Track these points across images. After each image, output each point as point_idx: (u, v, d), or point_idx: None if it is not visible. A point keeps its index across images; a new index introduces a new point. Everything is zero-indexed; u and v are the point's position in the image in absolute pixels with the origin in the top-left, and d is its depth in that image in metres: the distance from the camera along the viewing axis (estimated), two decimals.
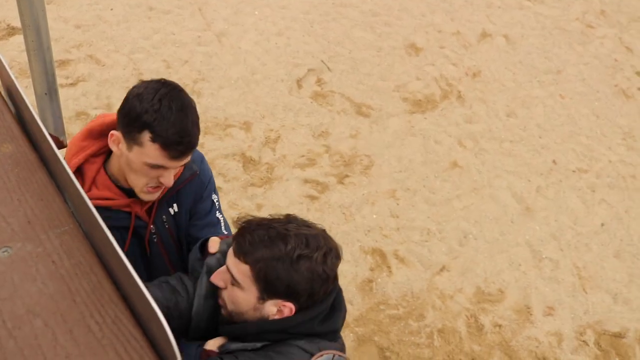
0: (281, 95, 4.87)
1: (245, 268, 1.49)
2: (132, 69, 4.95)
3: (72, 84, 4.70)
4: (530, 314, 3.75)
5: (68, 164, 1.65)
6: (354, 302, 3.65)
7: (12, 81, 1.51)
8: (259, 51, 5.30)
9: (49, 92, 2.08)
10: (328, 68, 5.19)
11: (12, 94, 1.56)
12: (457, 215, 4.21)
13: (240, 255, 1.49)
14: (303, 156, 4.40)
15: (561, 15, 6.49)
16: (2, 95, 1.52)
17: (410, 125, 4.80)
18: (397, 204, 4.19)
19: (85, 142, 1.83)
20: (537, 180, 4.56)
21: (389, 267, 3.83)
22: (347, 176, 4.31)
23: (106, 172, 1.83)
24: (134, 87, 1.71)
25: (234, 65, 5.12)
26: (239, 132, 4.52)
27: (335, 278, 1.55)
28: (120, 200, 1.80)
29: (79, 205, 1.12)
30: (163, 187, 1.77)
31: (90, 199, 1.59)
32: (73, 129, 4.36)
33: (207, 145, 4.40)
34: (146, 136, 1.63)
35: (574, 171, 4.70)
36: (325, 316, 1.57)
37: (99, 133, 1.83)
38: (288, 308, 1.51)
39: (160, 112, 1.61)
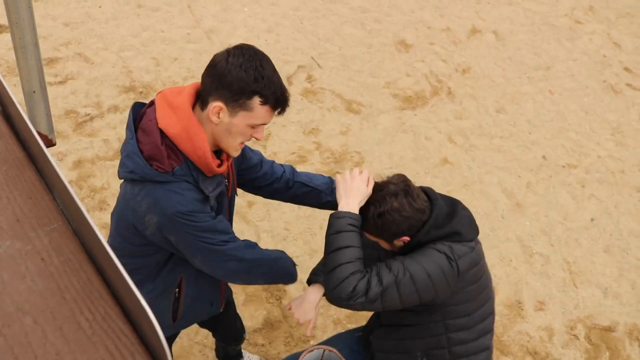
0: None
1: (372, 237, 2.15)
2: (122, 67, 4.92)
3: (60, 82, 4.67)
4: (522, 309, 3.77)
5: (200, 139, 1.80)
6: None
7: (0, 82, 1.50)
8: None
9: (38, 90, 2.06)
10: (318, 65, 5.19)
11: (0, 94, 1.55)
12: None
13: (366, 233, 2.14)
14: (294, 153, 4.40)
15: (550, 11, 6.52)
16: None
17: (400, 121, 4.80)
18: None
19: (194, 114, 1.85)
20: (527, 176, 4.58)
21: None
22: (338, 173, 4.30)
23: None
24: (226, 55, 1.77)
25: None
26: None
27: (424, 203, 2.06)
28: (226, 162, 1.95)
29: (68, 202, 1.12)
30: None
31: (217, 167, 1.86)
32: (62, 128, 4.34)
33: None
34: (256, 101, 1.76)
35: (563, 167, 4.72)
36: (434, 226, 2.03)
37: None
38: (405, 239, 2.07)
39: (265, 77, 1.74)
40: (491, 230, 4.16)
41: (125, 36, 5.19)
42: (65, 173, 4.15)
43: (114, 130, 4.41)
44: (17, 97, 1.29)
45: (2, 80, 1.46)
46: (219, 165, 1.90)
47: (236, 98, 1.75)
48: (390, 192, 2.03)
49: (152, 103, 1.90)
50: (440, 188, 4.34)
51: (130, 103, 4.65)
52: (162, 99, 1.86)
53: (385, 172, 4.35)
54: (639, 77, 5.74)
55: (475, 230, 2.19)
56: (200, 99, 1.83)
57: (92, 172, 4.16)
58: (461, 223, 2.09)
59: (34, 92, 2.10)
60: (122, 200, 1.99)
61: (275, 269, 2.17)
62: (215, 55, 1.80)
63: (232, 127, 1.80)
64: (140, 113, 1.92)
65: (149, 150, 1.81)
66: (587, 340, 3.69)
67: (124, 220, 1.98)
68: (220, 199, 2.04)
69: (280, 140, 4.47)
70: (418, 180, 4.37)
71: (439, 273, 1.99)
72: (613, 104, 5.40)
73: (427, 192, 2.14)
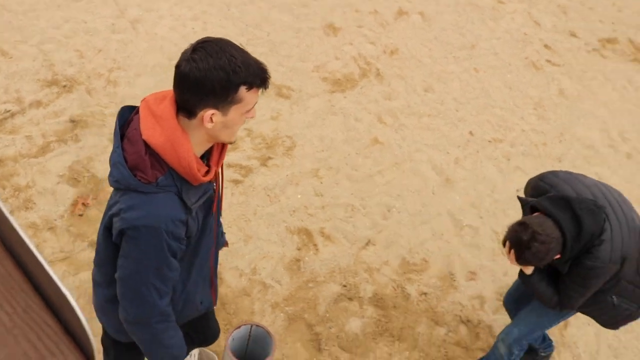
0: None
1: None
2: (43, 60, 4.78)
3: None
4: (454, 280, 3.89)
5: (184, 150, 1.77)
6: (283, 282, 3.68)
7: None
8: (175, 37, 5.22)
9: None
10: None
11: None
12: (379, 190, 4.30)
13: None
14: None
15: None
16: None
17: (330, 104, 4.85)
18: (321, 183, 4.24)
19: (179, 122, 1.82)
20: (456, 152, 4.70)
21: (315, 245, 3.88)
22: (270, 158, 4.32)
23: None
24: (193, 63, 1.71)
25: (150, 52, 5.03)
26: None
27: (554, 232, 2.53)
28: (214, 168, 1.94)
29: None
30: None
31: (203, 175, 1.84)
32: None
33: None
34: (243, 90, 1.74)
35: (489, 141, 4.87)
36: (573, 240, 2.55)
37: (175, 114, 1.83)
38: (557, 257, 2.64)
39: (241, 64, 1.72)
40: (423, 206, 4.26)
41: (45, 28, 5.03)
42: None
43: (37, 127, 4.29)
44: None
45: None
46: (207, 173, 1.89)
47: (224, 98, 1.74)
48: (525, 247, 2.54)
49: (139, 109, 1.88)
50: (371, 168, 4.41)
51: (54, 97, 4.53)
52: (145, 107, 1.83)
53: (317, 155, 4.39)
54: (558, 54, 5.96)
55: (600, 213, 2.57)
56: (183, 110, 1.79)
57: (15, 170, 4.03)
58: (588, 223, 2.53)
59: None
60: (107, 206, 1.98)
61: (155, 355, 2.09)
62: (180, 66, 1.74)
63: (228, 122, 1.80)
64: (127, 119, 1.88)
65: (133, 160, 1.80)
66: None
67: (104, 228, 1.97)
68: (208, 202, 2.04)
69: None
70: (350, 161, 4.43)
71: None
72: (534, 80, 5.59)
73: (549, 205, 2.59)
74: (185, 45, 5.16)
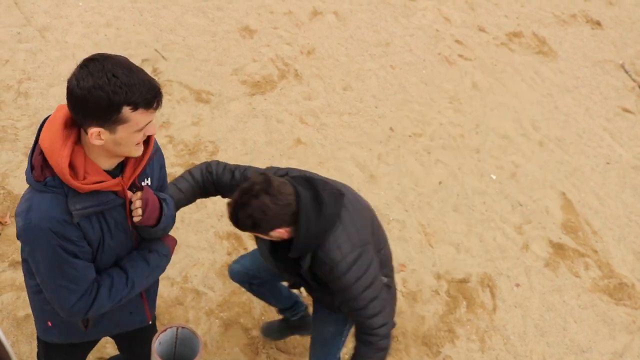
0: None
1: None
2: None
3: None
4: None
5: (59, 156, 1.75)
6: (216, 288, 3.64)
7: None
8: (87, 44, 5.05)
9: None
10: (163, 57, 5.07)
11: None
12: None
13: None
14: None
15: None
16: None
17: (251, 107, 4.83)
18: None
19: (67, 131, 1.80)
20: (378, 148, 4.79)
21: (245, 249, 3.86)
22: (193, 164, 4.25)
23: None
24: (75, 81, 1.68)
25: (62, 61, 4.85)
26: None
27: (289, 197, 2.24)
28: (113, 180, 1.87)
29: None
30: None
31: (89, 184, 1.80)
32: None
33: None
34: (127, 111, 1.70)
35: (410, 136, 4.99)
36: (307, 227, 2.28)
37: (71, 123, 1.81)
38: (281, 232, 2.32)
39: (123, 85, 1.67)
40: None
41: None
42: None
43: None
44: None
45: None
46: (100, 182, 1.84)
47: (107, 118, 1.70)
48: (252, 194, 2.18)
49: None
50: (297, 168, 4.42)
51: None
52: (57, 110, 1.84)
53: (241, 159, 4.37)
54: (469, 49, 6.18)
55: (339, 197, 2.41)
56: (77, 124, 1.79)
57: None
58: (330, 204, 2.33)
59: None
60: None
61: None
62: (68, 81, 1.71)
63: (119, 140, 1.77)
64: None
65: (34, 159, 1.84)
66: (446, 294, 3.96)
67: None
68: (118, 215, 1.97)
69: None
70: (274, 162, 4.43)
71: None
72: (449, 74, 5.78)
73: (292, 180, 2.33)
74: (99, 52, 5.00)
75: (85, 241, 1.90)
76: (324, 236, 2.32)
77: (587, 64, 6.34)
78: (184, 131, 4.47)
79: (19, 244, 3.55)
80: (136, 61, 4.91)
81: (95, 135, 1.73)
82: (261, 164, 4.39)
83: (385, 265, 2.65)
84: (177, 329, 2.36)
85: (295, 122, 4.80)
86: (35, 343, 3.22)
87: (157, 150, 2.09)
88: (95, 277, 1.98)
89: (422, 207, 4.45)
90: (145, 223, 1.97)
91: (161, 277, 3.59)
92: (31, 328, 3.24)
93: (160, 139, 4.37)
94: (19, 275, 3.45)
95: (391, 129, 5.00)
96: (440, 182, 4.66)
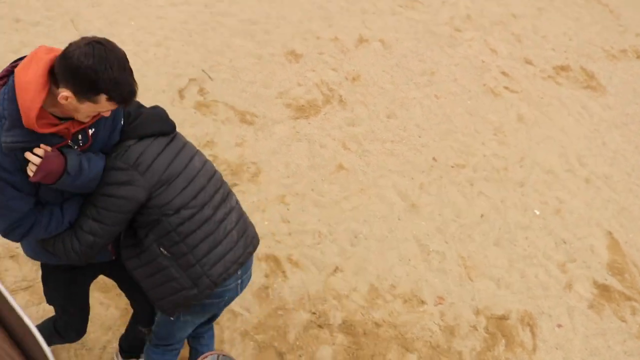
0: (164, 107, 4.73)
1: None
2: None
3: None
4: (423, 305, 3.89)
5: (34, 96, 1.86)
6: (252, 310, 3.62)
7: None
8: (138, 63, 5.15)
9: None
10: (210, 77, 5.13)
11: None
12: (346, 216, 4.29)
13: None
14: None
15: (431, 20, 6.81)
16: None
17: (295, 131, 4.84)
18: (288, 209, 4.21)
19: (48, 77, 1.93)
20: (420, 178, 4.74)
21: (283, 272, 3.84)
22: (235, 185, 4.27)
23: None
24: (74, 49, 1.87)
25: None
26: None
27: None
28: (65, 124, 2.01)
29: None
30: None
31: (45, 127, 1.94)
32: None
33: None
34: (103, 97, 1.92)
35: (452, 167, 4.93)
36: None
37: (51, 71, 1.95)
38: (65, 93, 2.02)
39: (112, 79, 1.89)
40: (389, 231, 4.27)
41: (3, 53, 4.90)
42: None
43: None
44: None
45: None
46: (51, 126, 1.99)
47: (84, 92, 1.90)
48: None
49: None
50: (337, 194, 4.41)
51: None
52: (34, 52, 1.97)
53: (283, 181, 4.37)
54: (515, 81, 6.12)
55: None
56: (54, 75, 1.93)
57: None
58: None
59: None
60: None
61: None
62: (71, 44, 1.90)
63: (79, 109, 1.97)
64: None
65: None
66: (485, 330, 3.86)
67: None
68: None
69: None
70: (316, 187, 4.41)
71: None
72: (494, 106, 5.71)
73: None
74: (148, 71, 5.14)
75: (22, 174, 2.01)
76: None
77: (637, 101, 6.21)
78: (227, 151, 4.50)
79: None
80: (183, 81, 5.00)
81: (64, 96, 1.91)
82: (303, 187, 4.38)
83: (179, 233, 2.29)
84: (218, 356, 2.36)
85: (338, 147, 4.78)
86: (72, 351, 3.23)
87: (117, 113, 2.23)
88: (36, 210, 2.12)
89: (463, 240, 4.37)
90: (38, 180, 2.03)
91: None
92: None
93: None
94: None
95: (434, 158, 4.95)
96: (482, 215, 4.58)
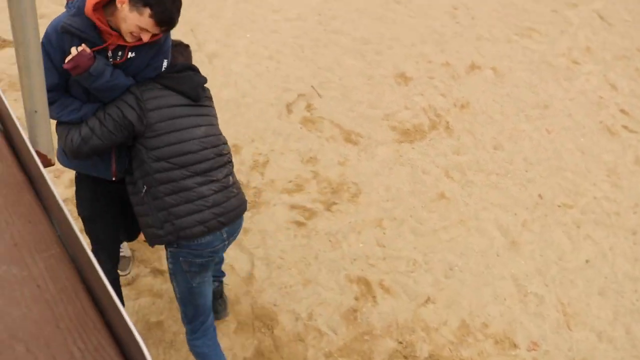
0: (271, 120, 4.85)
1: None
2: None
3: None
4: (515, 349, 3.72)
5: (90, 5, 2.36)
6: (338, 331, 3.59)
7: (2, 100, 1.47)
8: (249, 74, 5.30)
9: (40, 109, 2.04)
10: (318, 94, 5.20)
11: (2, 115, 1.53)
12: (443, 246, 4.19)
13: None
14: (291, 181, 4.38)
15: (548, 50, 6.58)
16: None
17: (398, 154, 4.80)
18: (384, 234, 4.17)
19: None
20: (523, 214, 4.57)
21: (374, 296, 3.79)
22: (334, 203, 4.28)
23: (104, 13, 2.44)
24: None
25: (225, 87, 5.11)
26: None
27: None
28: (112, 31, 2.42)
29: (66, 228, 1.09)
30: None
31: (96, 18, 2.39)
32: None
33: None
34: (147, 11, 2.32)
35: (559, 206, 4.71)
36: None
37: None
38: None
39: (162, 1, 2.31)
40: (486, 267, 4.13)
41: None
42: (61, 191, 4.10)
43: None
44: (18, 112, 1.26)
45: (4, 100, 1.44)
46: (107, 35, 2.42)
47: (135, 2, 2.31)
48: None
49: None
50: (436, 223, 4.32)
51: None
52: None
53: (382, 205, 4.34)
54: (635, 120, 5.78)
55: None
56: None
57: None
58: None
59: (36, 111, 2.07)
60: None
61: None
62: None
63: (127, 18, 2.35)
64: None
65: None
66: None
67: None
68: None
69: (278, 168, 4.44)
70: (415, 214, 4.34)
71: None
72: (609, 145, 5.42)
73: None
74: (259, 83, 5.27)
75: (61, 53, 2.42)
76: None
77: None
78: (329, 169, 4.52)
79: (162, 253, 3.74)
80: (292, 95, 5.09)
81: (120, 1, 2.33)
82: (401, 213, 4.33)
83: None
84: None
85: (440, 175, 4.69)
86: (161, 349, 3.34)
87: (159, 47, 2.56)
88: (63, 93, 2.53)
89: (564, 284, 4.16)
90: (68, 68, 2.40)
91: (287, 309, 3.62)
92: (160, 334, 3.37)
93: (305, 173, 4.45)
94: (157, 282, 3.62)
95: (540, 195, 4.76)
96: (587, 260, 4.34)
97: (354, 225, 4.17)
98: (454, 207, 4.48)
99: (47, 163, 2.12)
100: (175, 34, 5.58)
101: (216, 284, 3.38)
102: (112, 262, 3.12)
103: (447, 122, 5.24)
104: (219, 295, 3.41)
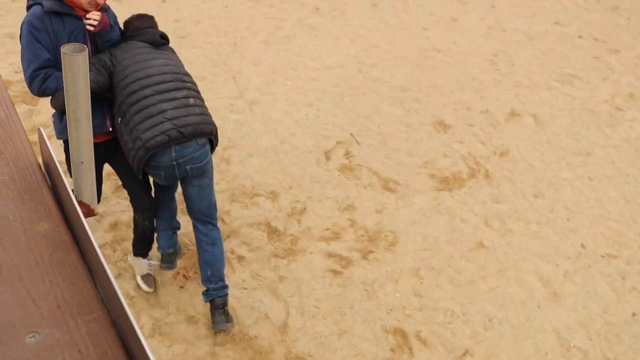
0: (309, 167, 4.90)
1: None
2: None
3: None
4: None
5: None
6: None
7: (51, 157, 1.54)
8: (289, 121, 5.38)
9: (85, 160, 2.12)
10: (356, 141, 5.24)
11: (50, 170, 1.59)
12: (482, 297, 4.12)
13: None
14: (328, 229, 4.39)
15: (589, 97, 6.52)
16: (42, 171, 1.54)
17: (436, 202, 4.77)
18: (421, 283, 4.13)
19: None
20: (565, 265, 4.47)
21: (410, 348, 3.74)
22: (371, 252, 4.27)
23: None
24: None
25: (264, 134, 5.19)
26: (265, 201, 4.54)
27: None
28: (77, 4, 3.11)
29: (109, 291, 1.12)
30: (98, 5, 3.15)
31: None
32: (102, 189, 4.41)
33: (233, 213, 4.41)
34: None
35: (603, 256, 4.60)
36: None
37: None
38: None
39: None
40: (527, 319, 4.03)
41: None
42: (100, 235, 4.19)
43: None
44: (66, 175, 1.31)
45: (55, 158, 1.50)
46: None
47: None
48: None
49: None
50: (475, 273, 4.26)
51: None
52: None
53: (419, 253, 4.30)
54: None
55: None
56: None
57: (127, 235, 4.19)
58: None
59: (82, 162, 2.16)
60: None
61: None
62: None
63: None
64: None
65: None
66: None
67: None
68: (79, 34, 3.14)
69: (315, 216, 4.47)
70: (452, 263, 4.30)
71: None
72: None
73: None
74: (297, 130, 5.34)
75: (47, 34, 3.02)
76: None
77: None
78: (366, 217, 4.52)
79: (196, 299, 3.76)
80: (331, 143, 5.14)
81: None
82: (439, 262, 4.29)
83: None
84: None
85: (479, 224, 4.65)
86: None
87: (107, 10, 3.28)
88: (55, 69, 3.07)
89: (609, 339, 4.03)
90: (98, 30, 3.11)
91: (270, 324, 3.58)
92: None
93: (342, 221, 4.46)
94: (192, 330, 3.63)
95: (582, 245, 4.65)
96: (634, 314, 4.21)
97: (391, 274, 4.14)
98: (493, 257, 4.41)
99: (90, 213, 2.19)
100: (217, 81, 5.74)
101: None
102: (147, 203, 3.64)
103: (487, 170, 5.20)
104: (221, 305, 3.60)
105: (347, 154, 5.09)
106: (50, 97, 3.19)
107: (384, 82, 6.09)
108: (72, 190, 1.57)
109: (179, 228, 3.93)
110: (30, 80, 3.10)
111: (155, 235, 3.81)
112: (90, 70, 3.14)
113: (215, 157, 4.91)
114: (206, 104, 5.46)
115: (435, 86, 6.15)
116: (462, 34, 7.31)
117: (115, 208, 4.36)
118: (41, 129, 1.60)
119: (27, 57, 3.05)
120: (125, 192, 4.49)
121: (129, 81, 3.16)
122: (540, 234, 4.69)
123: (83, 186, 2.17)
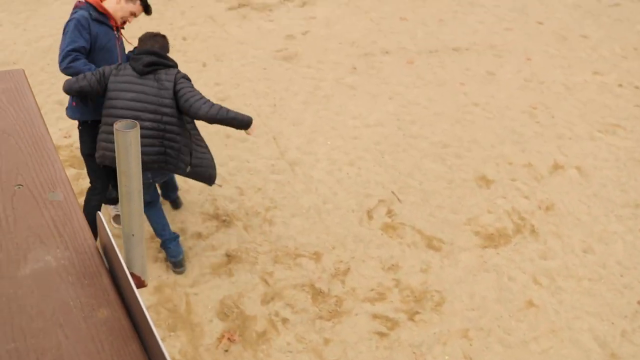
0: (351, 226, 4.88)
1: None
2: (207, 195, 5.11)
3: None
4: None
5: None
6: None
7: (109, 239, 1.57)
8: (330, 180, 5.40)
9: (136, 233, 2.16)
10: (398, 199, 5.21)
11: (108, 252, 1.61)
12: (534, 359, 3.98)
13: None
14: (372, 290, 4.33)
15: (635, 146, 6.40)
16: (100, 254, 1.57)
17: (482, 260, 4.69)
18: (470, 345, 4.01)
19: None
20: (622, 324, 4.30)
21: None
22: (417, 313, 4.18)
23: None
24: None
25: (306, 194, 5.22)
26: (308, 262, 4.52)
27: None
28: (112, 16, 4.00)
29: None
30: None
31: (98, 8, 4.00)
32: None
33: (277, 274, 4.40)
34: (137, 2, 4.04)
35: None
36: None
37: None
38: None
39: None
40: None
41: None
42: (145, 297, 4.22)
43: (196, 257, 4.50)
44: (122, 255, 1.32)
45: (112, 241, 1.53)
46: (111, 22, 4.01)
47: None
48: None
49: None
50: (526, 333, 4.13)
51: (213, 231, 4.77)
52: None
53: (466, 314, 4.20)
54: None
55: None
56: None
57: (171, 297, 4.22)
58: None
59: (133, 235, 2.19)
60: None
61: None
62: None
63: (124, 7, 3.99)
64: None
65: None
66: None
67: None
68: (111, 39, 4.02)
69: (359, 276, 4.42)
70: (502, 323, 4.18)
71: None
72: None
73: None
74: (339, 189, 5.35)
75: (88, 32, 3.80)
76: None
77: None
78: (411, 277, 4.46)
79: (206, 327, 3.68)
80: (373, 201, 5.13)
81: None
82: (487, 322, 4.18)
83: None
84: None
85: (528, 281, 4.53)
86: None
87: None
88: (85, 56, 3.83)
89: None
90: None
91: None
92: None
93: (387, 281, 4.40)
94: None
95: (639, 302, 4.48)
96: None
97: (439, 336, 4.05)
98: (544, 316, 4.28)
99: (141, 284, 2.21)
100: (258, 142, 5.82)
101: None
102: (103, 188, 4.32)
103: (532, 226, 5.10)
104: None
105: (390, 212, 5.06)
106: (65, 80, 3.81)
107: (424, 138, 6.10)
108: (124, 263, 1.59)
109: (179, 235, 4.48)
110: (63, 57, 3.72)
111: (165, 248, 4.43)
112: (93, 73, 3.78)
113: (258, 218, 4.95)
114: (248, 164, 5.57)
115: (475, 140, 6.13)
116: (499, 88, 7.31)
117: (159, 271, 4.40)
118: (100, 214, 1.64)
119: (68, 40, 3.74)
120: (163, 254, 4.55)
121: (105, 105, 3.84)
122: (593, 291, 4.54)
123: (134, 259, 2.21)
